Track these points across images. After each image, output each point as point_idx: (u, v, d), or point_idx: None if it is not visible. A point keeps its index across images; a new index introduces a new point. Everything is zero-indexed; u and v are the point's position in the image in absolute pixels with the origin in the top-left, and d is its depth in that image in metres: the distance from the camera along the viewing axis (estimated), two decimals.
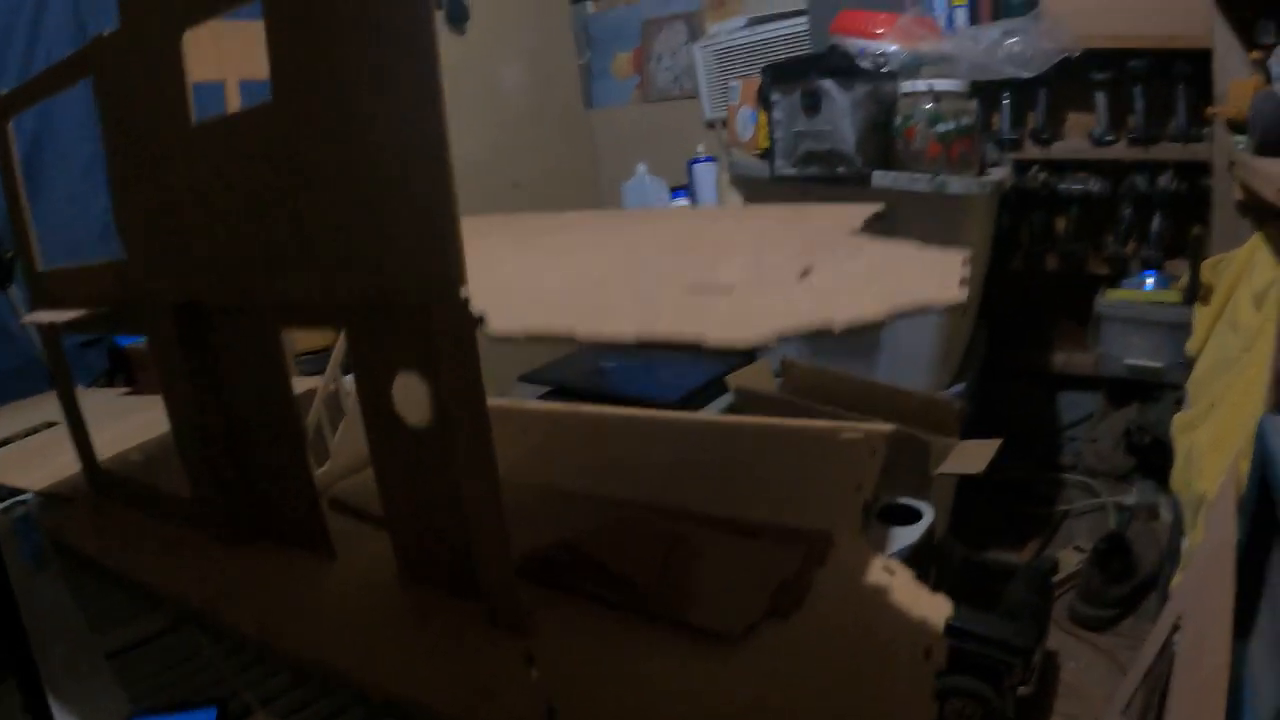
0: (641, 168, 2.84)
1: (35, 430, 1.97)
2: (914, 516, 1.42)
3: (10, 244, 2.52)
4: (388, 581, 0.99)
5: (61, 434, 1.88)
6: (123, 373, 2.56)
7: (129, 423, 1.60)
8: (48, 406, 2.15)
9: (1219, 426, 1.85)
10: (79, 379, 2.57)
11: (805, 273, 0.77)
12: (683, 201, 2.71)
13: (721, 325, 0.62)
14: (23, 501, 1.54)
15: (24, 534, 1.42)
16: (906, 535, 1.34)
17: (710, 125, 2.81)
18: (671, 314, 0.64)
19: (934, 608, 0.87)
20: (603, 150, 3.31)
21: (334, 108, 0.81)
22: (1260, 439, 1.19)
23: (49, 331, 1.35)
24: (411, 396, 0.87)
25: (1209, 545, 1.37)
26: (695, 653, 0.82)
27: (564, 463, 1.27)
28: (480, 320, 0.66)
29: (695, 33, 2.95)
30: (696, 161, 2.70)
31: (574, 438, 1.33)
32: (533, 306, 0.70)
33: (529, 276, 0.82)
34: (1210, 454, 1.81)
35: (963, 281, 0.72)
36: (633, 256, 0.89)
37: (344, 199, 0.83)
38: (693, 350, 0.60)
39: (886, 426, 1.30)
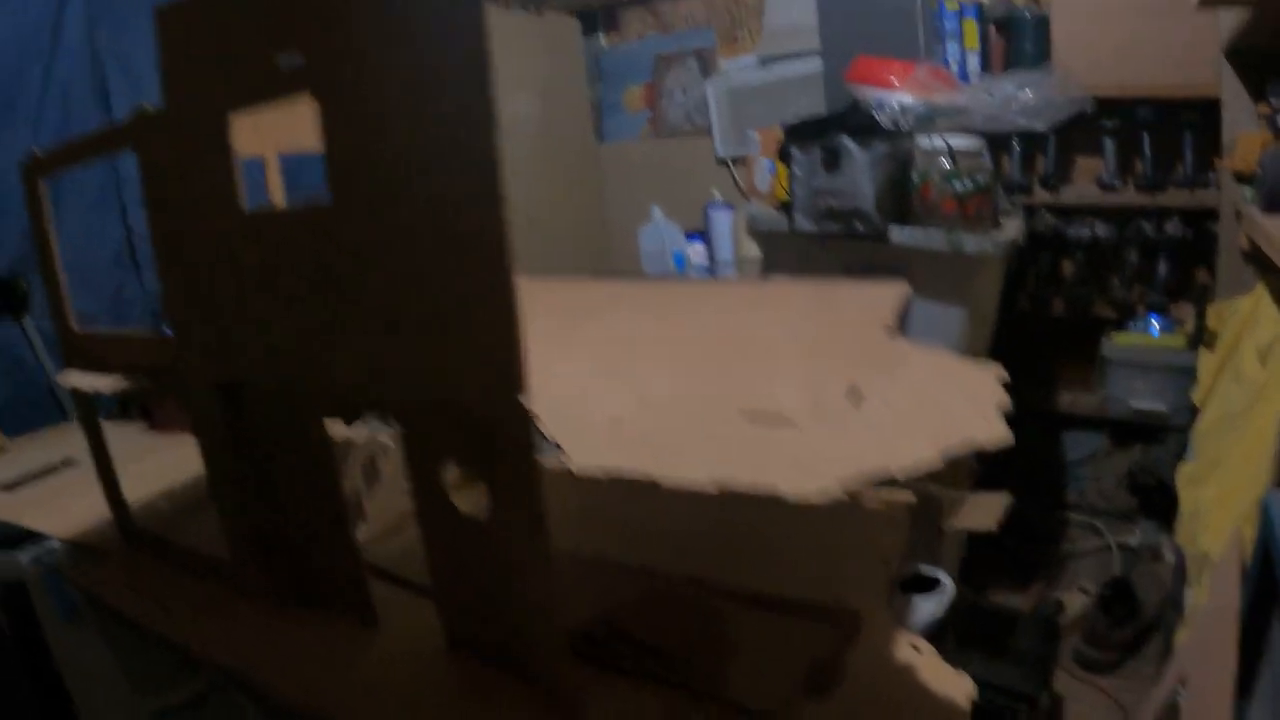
0: (657, 211, 2.85)
1: (54, 468, 1.96)
2: (933, 583, 1.45)
3: (26, 276, 2.54)
4: (433, 652, 1.00)
5: (82, 475, 1.89)
6: (135, 403, 2.58)
7: (149, 464, 1.59)
8: (63, 442, 2.16)
9: (1223, 485, 1.88)
10: None
11: (855, 395, 0.80)
12: (699, 247, 2.72)
13: (792, 474, 0.65)
14: (50, 550, 1.54)
15: (55, 587, 1.42)
16: (929, 607, 1.37)
17: (722, 162, 2.83)
18: (742, 458, 0.67)
19: (959, 688, 0.90)
20: (614, 184, 3.32)
21: (394, 216, 0.82)
22: (1264, 514, 1.22)
23: (86, 396, 1.36)
24: (464, 483, 0.89)
25: (1214, 609, 1.41)
26: None
27: (596, 529, 1.29)
28: (560, 449, 0.69)
29: (708, 69, 2.96)
30: (713, 207, 2.72)
31: (603, 501, 1.35)
32: (607, 437, 0.72)
33: (589, 392, 0.84)
34: (1215, 511, 1.85)
35: (1002, 409, 0.76)
36: (683, 367, 0.91)
37: (402, 303, 0.84)
38: None
39: (907, 495, 1.33)
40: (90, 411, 1.42)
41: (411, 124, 0.79)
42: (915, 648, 0.96)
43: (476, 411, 0.81)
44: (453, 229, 0.78)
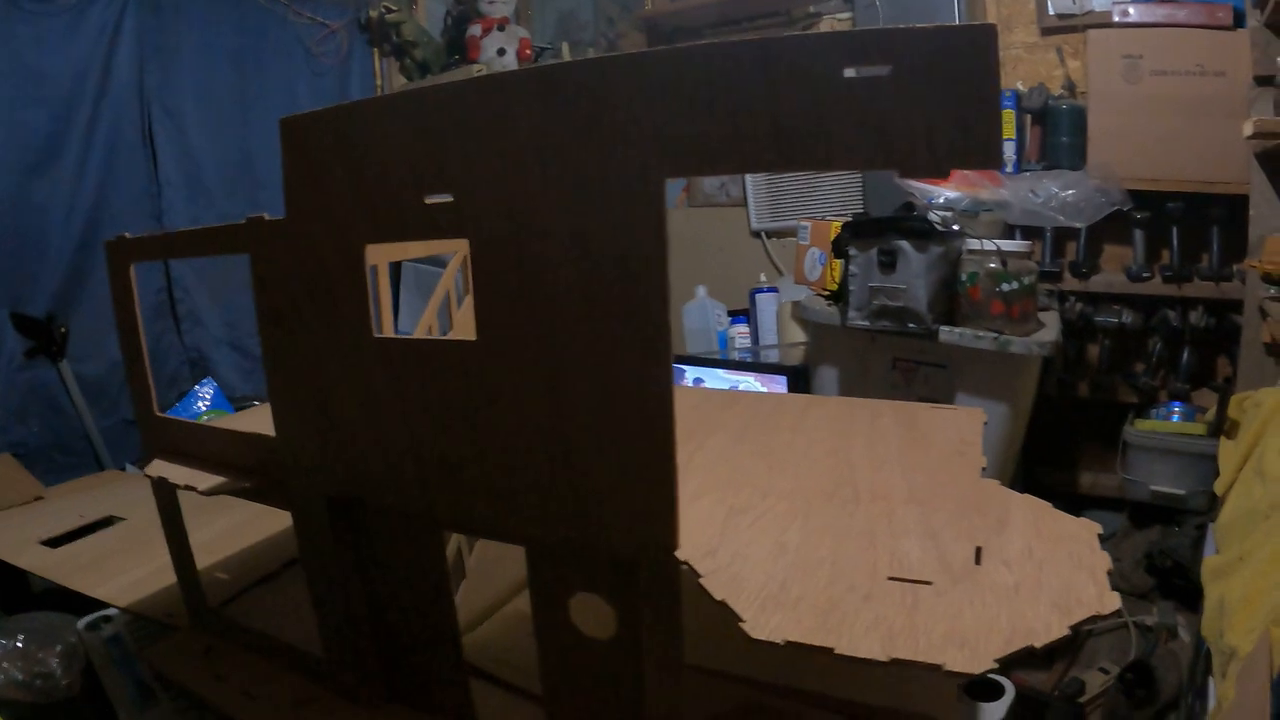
0: (701, 290, 2.88)
1: (96, 525, 1.96)
2: (993, 687, 1.48)
3: (64, 318, 2.56)
4: None
5: (129, 534, 1.89)
6: None
7: (200, 530, 1.58)
8: (104, 493, 2.17)
9: (1250, 583, 1.93)
10: (126, 456, 2.61)
11: (978, 558, 0.84)
12: (743, 329, 2.76)
13: (951, 651, 0.69)
14: (107, 618, 1.53)
15: (122, 664, 1.41)
16: (993, 712, 1.40)
17: (756, 235, 2.87)
18: (909, 634, 0.71)
19: None
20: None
21: (541, 358, 0.84)
22: None
23: (169, 488, 1.35)
24: (588, 606, 0.92)
25: (1243, 708, 1.45)
26: None
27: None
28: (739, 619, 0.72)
29: None
30: (759, 291, 2.75)
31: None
32: (773, 603, 0.76)
33: (729, 539, 0.87)
34: (1241, 609, 1.89)
35: (1108, 573, 0.80)
36: (810, 514, 0.94)
37: (544, 442, 0.86)
38: None
39: None
40: (172, 503, 1.42)
41: (569, 274, 0.80)
42: None
43: (621, 557, 0.84)
44: (611, 380, 0.81)
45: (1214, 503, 2.28)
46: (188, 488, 1.27)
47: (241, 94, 2.92)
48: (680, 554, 0.81)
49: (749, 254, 2.89)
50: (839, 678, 1.14)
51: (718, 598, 0.77)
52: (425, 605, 1.08)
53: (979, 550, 0.85)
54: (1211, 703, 1.80)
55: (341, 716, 1.15)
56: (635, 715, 0.91)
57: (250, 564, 1.62)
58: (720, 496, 0.98)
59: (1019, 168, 2.49)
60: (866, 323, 1.92)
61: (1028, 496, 0.99)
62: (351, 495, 1.08)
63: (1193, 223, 2.44)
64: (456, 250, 1.45)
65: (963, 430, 1.21)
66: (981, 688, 1.52)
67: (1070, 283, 2.54)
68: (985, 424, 1.09)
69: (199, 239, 1.32)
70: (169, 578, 1.43)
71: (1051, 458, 2.73)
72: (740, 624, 0.74)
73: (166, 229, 2.82)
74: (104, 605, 1.51)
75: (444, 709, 1.12)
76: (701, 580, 0.79)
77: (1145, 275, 2.47)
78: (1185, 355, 2.49)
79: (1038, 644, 0.71)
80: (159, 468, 1.32)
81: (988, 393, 1.92)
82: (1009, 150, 2.45)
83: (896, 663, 0.69)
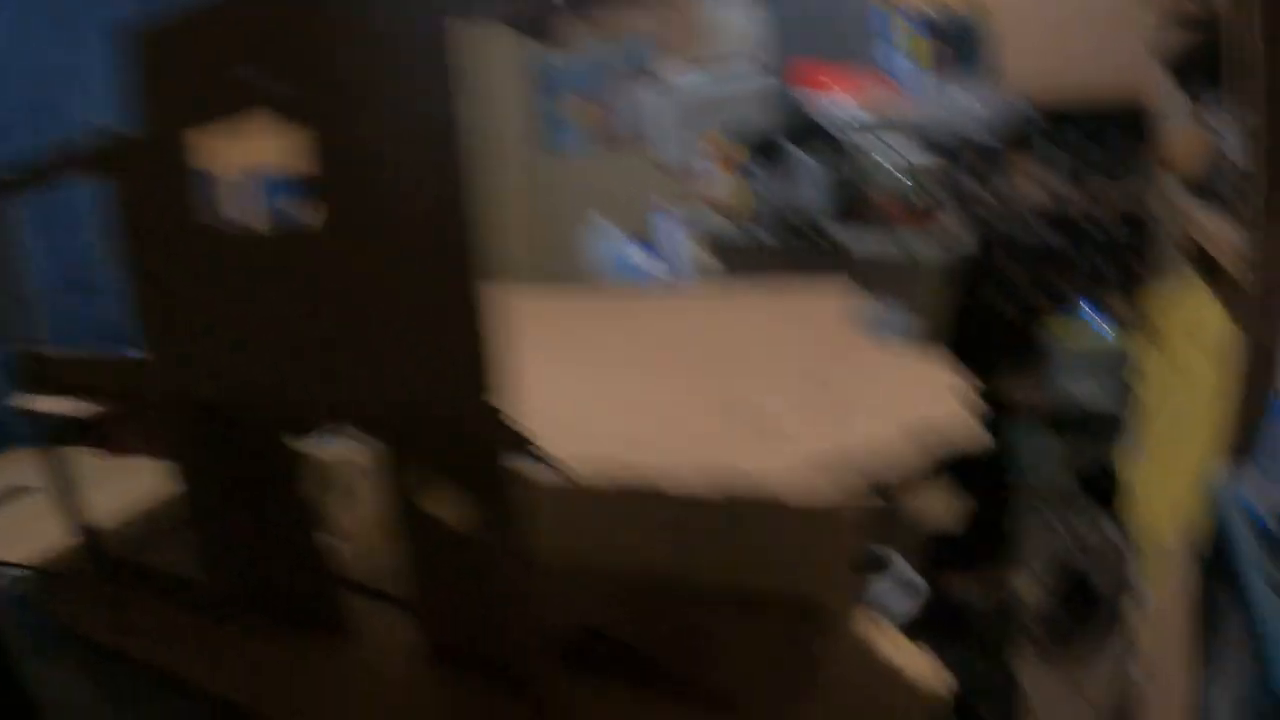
0: (603, 220, 2.87)
1: (6, 496, 1.92)
2: (900, 576, 1.49)
3: None
4: (414, 666, 1.01)
5: (38, 502, 1.85)
6: (94, 429, 2.53)
7: (111, 489, 1.56)
8: (13, 469, 2.12)
9: (1167, 467, 1.95)
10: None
11: (826, 389, 0.84)
12: (646, 255, 2.72)
13: (764, 456, 0.69)
14: (18, 578, 1.51)
15: (23, 615, 1.40)
16: (893, 595, 1.41)
17: (668, 172, 2.84)
18: (720, 448, 0.71)
19: (936, 677, 0.94)
20: (560, 196, 3.30)
21: (371, 233, 0.84)
22: (1209, 490, 1.27)
23: (49, 421, 1.33)
24: (445, 496, 0.91)
25: (1167, 590, 1.46)
26: None
27: (576, 538, 1.31)
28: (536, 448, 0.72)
29: (652, 78, 2.98)
30: (659, 215, 2.73)
31: (584, 511, 1.38)
32: (605, 444, 0.75)
33: (577, 401, 0.87)
34: (1158, 493, 1.91)
35: (964, 400, 0.80)
36: (665, 375, 0.94)
37: (375, 312, 0.86)
38: None
39: (871, 492, 1.36)
40: (53, 437, 1.40)
41: (386, 144, 0.81)
42: (888, 637, 1.00)
43: (451, 419, 0.83)
44: (425, 241, 0.80)
45: (1135, 406, 2.31)
46: (61, 416, 1.26)
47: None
48: (503, 406, 0.80)
49: (659, 190, 2.86)
50: (735, 568, 1.14)
51: (523, 433, 0.76)
52: (290, 512, 1.07)
53: (829, 386, 0.84)
54: (1140, 597, 1.82)
55: (222, 640, 1.15)
56: (498, 607, 0.90)
57: (155, 516, 1.60)
58: (571, 369, 0.98)
59: (923, 85, 2.48)
60: (766, 235, 1.92)
61: (893, 347, 0.98)
62: (212, 404, 1.06)
63: (1104, 132, 2.44)
64: None
65: (841, 306, 1.20)
66: (887, 575, 1.53)
67: (986, 200, 2.54)
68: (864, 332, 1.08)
69: (60, 166, 1.30)
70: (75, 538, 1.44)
71: (974, 372, 2.74)
72: (537, 451, 0.73)
73: (78, 201, 2.75)
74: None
75: (318, 621, 1.11)
76: (514, 423, 0.78)
77: (1060, 189, 2.47)
78: (1104, 266, 2.50)
79: (866, 455, 0.70)
80: (32, 401, 1.30)
81: (898, 300, 1.92)
82: (913, 67, 2.44)
83: (735, 503, 0.68)
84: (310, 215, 0.89)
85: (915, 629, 1.88)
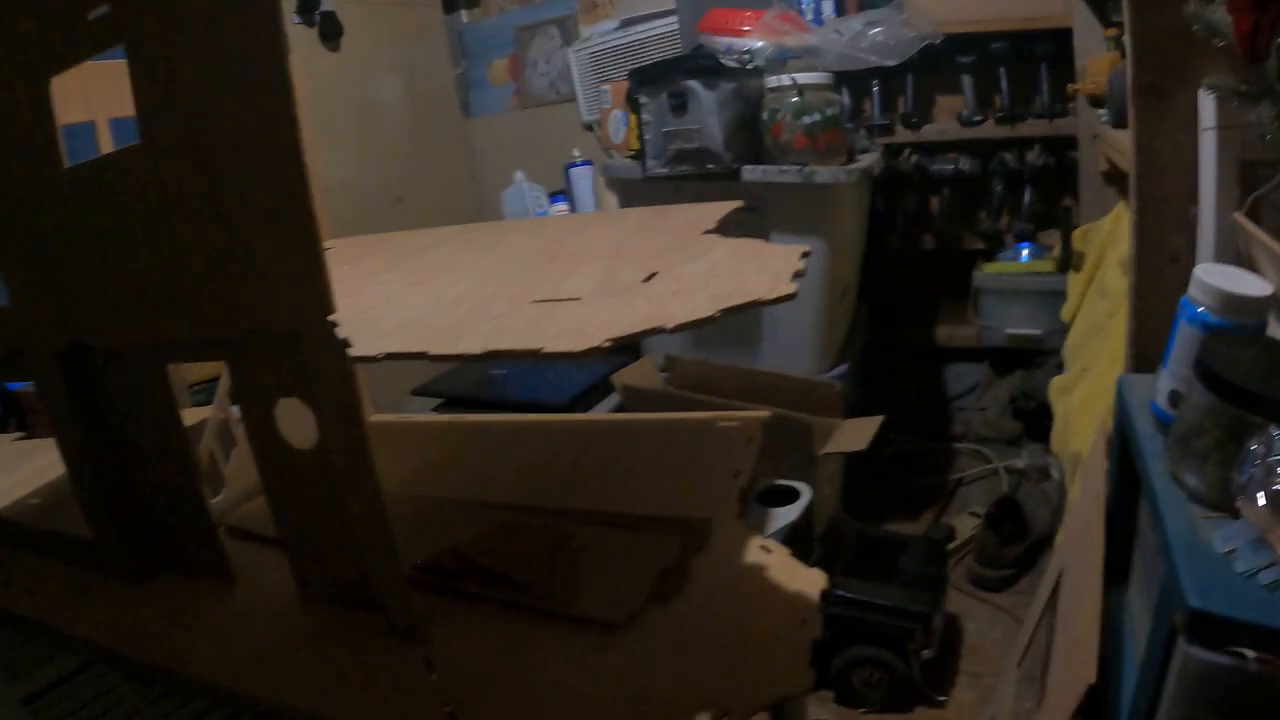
0: (519, 175, 2.83)
1: None
2: (795, 497, 1.45)
3: None
4: (290, 603, 0.99)
5: None
6: (14, 417, 2.48)
7: (26, 470, 1.53)
8: None
9: (1091, 388, 1.93)
10: None
11: (649, 278, 0.79)
12: (562, 207, 2.71)
13: (560, 336, 0.65)
14: None
15: None
16: (785, 515, 1.38)
17: (588, 128, 2.82)
18: (517, 329, 0.67)
19: (810, 580, 0.90)
20: (483, 158, 3.29)
21: (194, 142, 0.81)
22: (1119, 397, 1.25)
23: None
24: (296, 420, 0.88)
25: (1084, 500, 1.44)
26: (584, 645, 0.84)
27: (454, 474, 1.28)
28: (346, 345, 0.68)
29: (569, 37, 2.95)
30: (573, 166, 2.70)
31: (463, 448, 1.34)
32: (394, 330, 0.72)
33: (393, 300, 0.84)
34: (1083, 415, 1.90)
35: (796, 275, 0.75)
36: (490, 275, 0.90)
37: (210, 233, 0.83)
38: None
39: (763, 412, 1.33)
40: None
41: (210, 61, 0.77)
42: (765, 549, 0.97)
43: (288, 332, 0.79)
44: (253, 155, 0.77)
45: (1065, 334, 2.29)
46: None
47: None
48: (335, 317, 0.76)
49: (581, 146, 2.84)
50: (613, 497, 1.10)
51: (341, 336, 0.72)
52: (163, 452, 1.04)
53: (651, 275, 0.80)
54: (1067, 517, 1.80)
55: (110, 594, 1.10)
56: (343, 519, 0.86)
57: (63, 487, 1.57)
58: (410, 277, 0.94)
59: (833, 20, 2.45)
60: (666, 170, 1.87)
61: (749, 241, 0.94)
62: (75, 343, 1.04)
63: (1019, 62, 2.41)
64: None
65: (708, 211, 1.16)
66: (779, 498, 1.49)
67: (903, 135, 2.51)
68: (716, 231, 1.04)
69: None
70: None
71: (905, 314, 2.72)
72: (347, 350, 0.70)
73: None
74: None
75: (201, 567, 1.08)
76: (336, 326, 0.74)
77: (977, 120, 2.44)
78: (1026, 196, 2.48)
79: (668, 325, 0.66)
80: None
81: (801, 230, 1.88)
82: (828, 8, 2.41)
83: (491, 355, 0.64)
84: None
85: (845, 565, 1.87)
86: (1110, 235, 2.18)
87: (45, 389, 1.10)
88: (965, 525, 2.25)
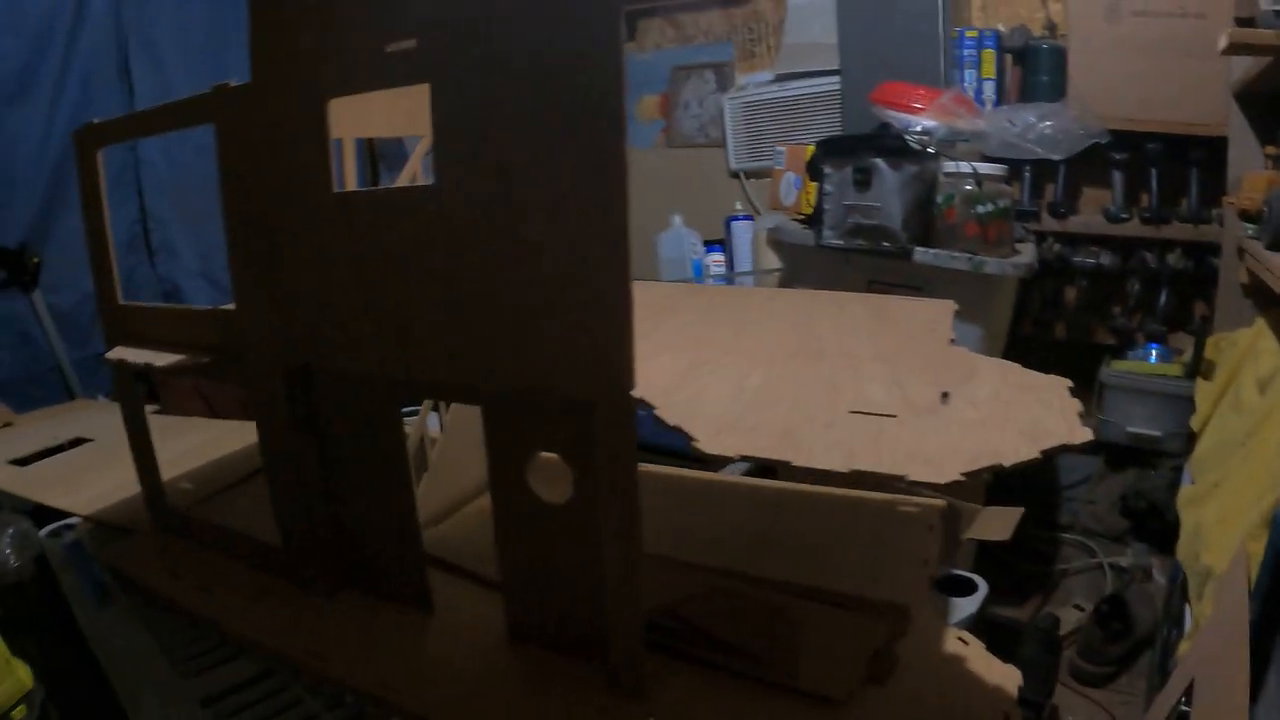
0: (677, 219, 2.87)
1: (62, 447, 1.94)
2: (965, 585, 1.48)
3: (37, 249, 2.53)
4: (494, 641, 1.01)
5: (97, 453, 1.88)
6: (143, 384, 2.57)
7: (167, 448, 1.57)
8: (72, 419, 2.15)
9: (1225, 505, 1.94)
10: (99, 388, 2.58)
11: (944, 397, 0.83)
12: (718, 258, 2.75)
13: (917, 465, 0.68)
14: (69, 526, 1.52)
15: (80, 565, 1.40)
16: (966, 606, 1.41)
17: (735, 175, 2.86)
18: (867, 449, 0.70)
19: (1006, 676, 0.94)
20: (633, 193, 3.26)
21: (504, 201, 0.83)
22: (1275, 527, 1.27)
23: (129, 371, 1.34)
24: (546, 472, 0.91)
25: (1222, 618, 1.45)
26: (804, 716, 0.87)
27: (651, 531, 1.33)
28: (692, 439, 0.71)
29: (724, 82, 3.00)
30: (735, 219, 2.75)
31: (649, 502, 1.39)
32: (728, 426, 0.75)
33: (685, 380, 0.87)
34: (1217, 530, 1.90)
35: (1081, 417, 0.79)
36: (772, 365, 0.94)
37: (501, 287, 0.85)
38: None
39: (939, 501, 1.37)
40: (131, 388, 1.40)
41: (530, 111, 0.80)
42: (962, 640, 1.00)
43: (578, 399, 0.83)
44: (570, 216, 0.80)
45: (1190, 443, 2.29)
46: (147, 366, 1.26)
47: (219, 28, 2.87)
48: (637, 393, 0.80)
49: (727, 192, 2.88)
50: (810, 569, 1.14)
51: (671, 424, 0.76)
52: (382, 482, 1.07)
53: (945, 394, 0.84)
54: (1188, 628, 1.81)
55: (298, 605, 1.14)
56: (593, 585, 0.90)
57: (215, 474, 1.61)
58: (683, 354, 0.98)
59: (999, 107, 2.48)
60: (841, 242, 1.92)
61: (997, 359, 0.98)
62: (306, 363, 1.07)
63: (1171, 164, 2.43)
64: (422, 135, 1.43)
65: (932, 314, 1.21)
66: (954, 586, 1.52)
67: (1049, 224, 2.54)
68: (954, 341, 1.08)
69: (165, 114, 1.29)
70: (133, 490, 1.43)
71: None
72: (694, 443, 0.73)
73: (142, 164, 2.79)
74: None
75: (400, 595, 1.11)
76: (657, 411, 0.78)
77: (1124, 217, 2.46)
78: (1162, 297, 2.49)
79: (1006, 463, 0.70)
80: (120, 352, 1.31)
81: (962, 315, 1.91)
82: (989, 90, 2.45)
83: (856, 474, 0.68)
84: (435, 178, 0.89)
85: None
86: (1249, 350, 2.18)
87: (262, 400, 1.13)
88: (1069, 617, 2.26)
